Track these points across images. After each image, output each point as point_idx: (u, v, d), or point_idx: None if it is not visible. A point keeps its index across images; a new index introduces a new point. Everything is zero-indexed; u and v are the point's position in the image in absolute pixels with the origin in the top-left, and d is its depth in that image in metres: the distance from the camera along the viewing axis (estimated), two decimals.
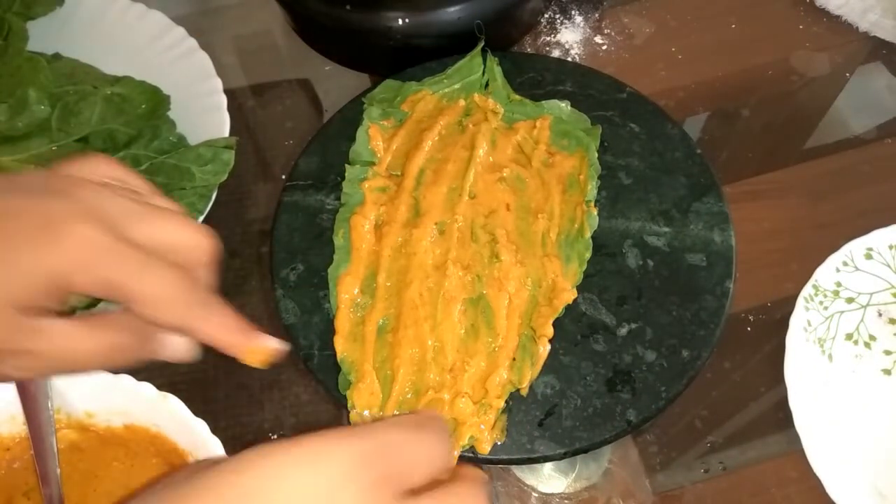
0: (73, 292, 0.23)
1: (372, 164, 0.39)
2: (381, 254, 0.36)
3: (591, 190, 0.37)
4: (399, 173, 0.38)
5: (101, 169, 0.26)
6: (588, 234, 0.36)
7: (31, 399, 0.31)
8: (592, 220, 0.37)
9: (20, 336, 0.23)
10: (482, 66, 0.41)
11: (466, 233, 0.36)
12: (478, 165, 0.37)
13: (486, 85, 0.41)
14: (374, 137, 0.39)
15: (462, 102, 0.40)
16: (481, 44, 0.41)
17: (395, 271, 0.35)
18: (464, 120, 0.39)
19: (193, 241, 0.25)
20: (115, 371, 0.31)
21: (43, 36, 0.43)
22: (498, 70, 0.41)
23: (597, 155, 0.38)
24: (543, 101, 0.40)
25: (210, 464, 0.20)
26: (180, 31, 0.45)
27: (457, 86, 0.41)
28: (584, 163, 0.38)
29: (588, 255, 0.36)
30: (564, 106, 0.40)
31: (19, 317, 0.23)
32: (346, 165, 0.38)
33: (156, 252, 0.24)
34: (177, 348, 0.27)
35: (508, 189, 0.37)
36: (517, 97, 0.40)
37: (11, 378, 0.25)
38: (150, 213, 0.24)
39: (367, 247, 0.36)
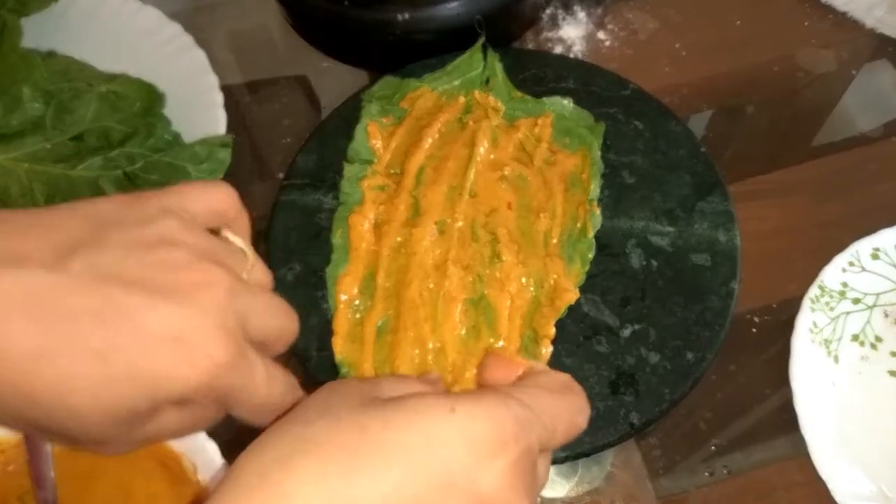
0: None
1: (371, 162, 0.38)
2: (380, 253, 0.35)
3: (594, 189, 0.37)
4: (398, 171, 0.38)
5: (210, 202, 0.24)
6: (591, 234, 0.36)
7: None
8: (595, 219, 0.36)
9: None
10: (482, 63, 0.40)
11: (467, 232, 0.35)
12: (478, 164, 0.37)
13: (487, 81, 0.40)
14: (374, 135, 0.39)
15: (462, 99, 0.39)
16: (481, 40, 0.41)
17: (395, 271, 0.35)
18: (464, 117, 0.39)
19: (290, 329, 0.25)
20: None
21: (37, 33, 0.43)
22: (499, 66, 0.40)
23: (599, 153, 0.38)
24: (545, 98, 0.39)
25: (367, 405, 0.20)
26: (176, 27, 0.44)
27: (456, 82, 0.40)
28: (587, 161, 0.38)
29: (591, 255, 0.36)
30: (567, 103, 0.39)
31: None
32: (345, 164, 0.38)
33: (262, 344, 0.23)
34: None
35: (510, 188, 0.37)
36: (518, 94, 0.40)
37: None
38: (261, 305, 0.23)
39: (366, 246, 0.36)
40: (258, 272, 0.25)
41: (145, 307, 0.20)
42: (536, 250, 0.35)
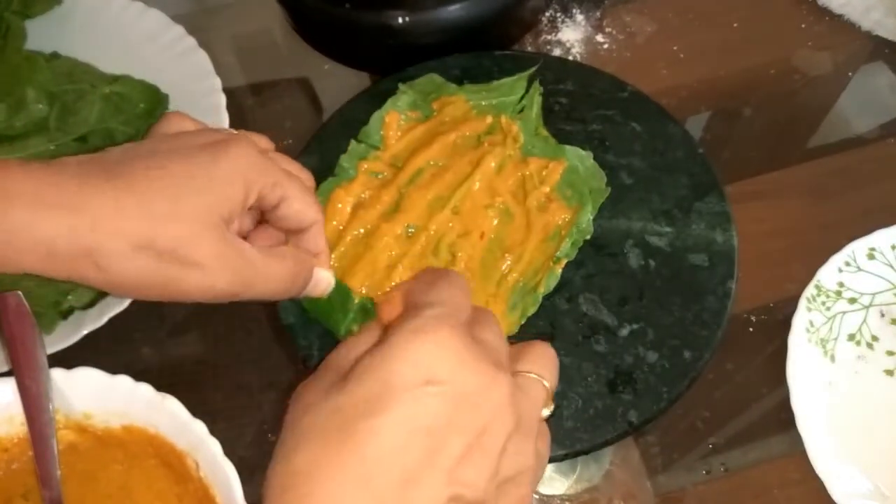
0: (252, 201, 0.29)
1: (377, 148, 0.38)
2: (343, 234, 0.35)
3: (565, 247, 0.36)
4: (400, 165, 0.38)
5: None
6: (541, 291, 0.35)
7: (33, 400, 0.31)
8: (553, 278, 0.35)
9: (235, 254, 0.28)
10: (523, 91, 0.40)
11: (431, 245, 0.35)
12: (474, 184, 0.36)
13: (521, 110, 0.40)
14: (390, 126, 0.39)
15: (489, 119, 0.39)
16: (532, 69, 0.40)
17: (349, 257, 0.35)
18: (483, 136, 0.38)
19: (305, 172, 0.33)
20: (117, 377, 0.32)
21: (41, 35, 0.43)
22: (538, 100, 0.40)
23: (590, 218, 0.36)
24: (568, 147, 0.38)
25: (331, 394, 0.23)
26: (179, 29, 0.45)
27: (493, 101, 0.40)
28: (573, 220, 0.36)
29: (533, 310, 0.35)
30: (586, 155, 0.38)
31: (230, 234, 0.28)
32: (352, 140, 0.38)
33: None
34: (320, 280, 0.33)
35: (492, 218, 0.36)
36: (544, 132, 0.39)
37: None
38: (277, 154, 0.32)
39: (336, 224, 0.36)
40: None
41: (192, 139, 0.29)
42: (487, 286, 0.35)
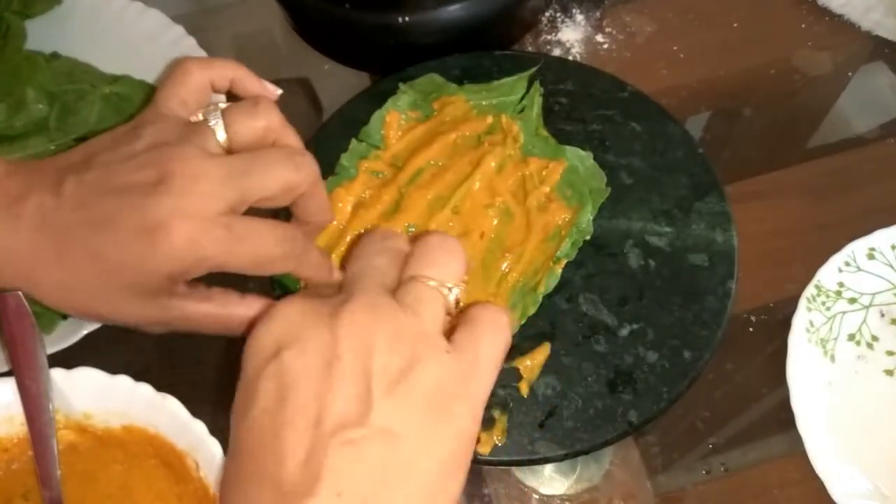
0: (205, 270, 0.27)
1: (377, 147, 0.38)
2: (343, 233, 0.35)
3: (565, 247, 0.36)
4: (400, 165, 0.38)
5: (220, 75, 0.30)
6: (542, 291, 0.35)
7: (33, 400, 0.31)
8: (553, 278, 0.35)
9: (168, 313, 0.28)
10: (524, 91, 0.40)
11: None
12: (475, 184, 0.36)
13: (522, 110, 0.40)
14: (390, 125, 0.39)
15: (489, 119, 0.39)
16: (533, 70, 0.41)
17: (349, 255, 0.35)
18: (483, 136, 0.38)
19: (292, 179, 0.28)
20: (114, 371, 0.32)
21: (41, 35, 0.43)
22: (538, 100, 0.40)
23: (590, 219, 0.37)
24: (568, 147, 0.38)
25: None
26: (179, 29, 0.45)
27: (493, 101, 0.40)
28: (573, 220, 0.37)
29: (533, 310, 0.35)
30: (586, 155, 0.38)
31: (165, 298, 0.28)
32: (353, 140, 0.38)
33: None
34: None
35: (492, 218, 0.36)
36: (544, 133, 0.39)
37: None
38: (258, 172, 0.27)
39: (336, 224, 0.36)
40: (246, 120, 0.28)
41: (128, 206, 0.26)
42: (487, 287, 0.35)
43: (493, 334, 0.24)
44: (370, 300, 0.23)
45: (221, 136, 0.28)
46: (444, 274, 0.24)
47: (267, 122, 0.29)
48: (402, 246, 0.26)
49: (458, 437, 0.22)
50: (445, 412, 0.21)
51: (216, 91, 0.31)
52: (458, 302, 0.25)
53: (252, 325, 0.25)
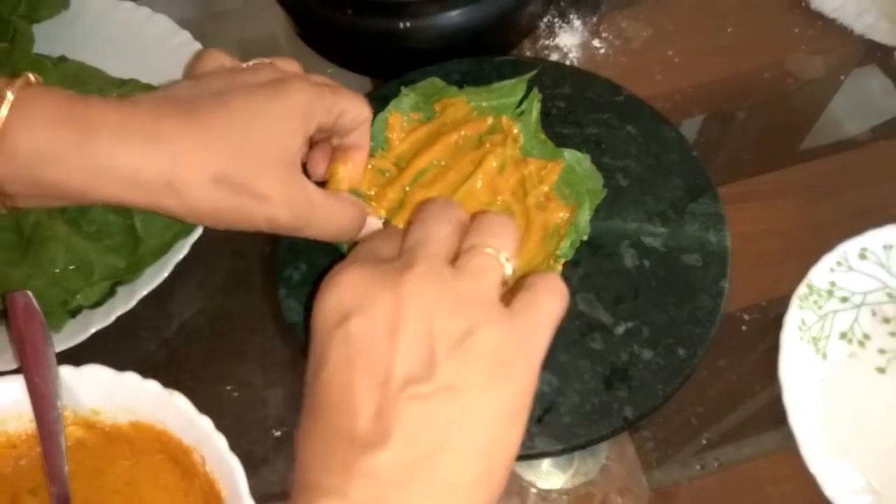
0: (313, 131, 0.31)
1: (381, 149, 0.39)
2: None
3: (563, 247, 0.36)
4: (404, 165, 0.38)
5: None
6: None
7: (41, 397, 0.32)
8: None
9: (300, 191, 0.30)
10: (523, 93, 0.41)
11: None
12: (476, 183, 0.37)
13: (521, 114, 0.40)
14: (393, 127, 0.39)
15: (490, 120, 0.39)
16: (533, 73, 0.41)
17: None
18: (484, 136, 0.39)
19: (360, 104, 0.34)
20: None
21: (49, 38, 0.44)
22: (536, 106, 0.40)
23: (588, 218, 0.37)
24: (566, 150, 0.39)
25: None
26: (185, 34, 0.45)
27: (493, 103, 0.40)
28: (571, 218, 0.37)
29: None
30: (584, 158, 0.39)
31: (297, 171, 0.30)
32: None
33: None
34: (371, 227, 0.34)
35: None
36: (542, 136, 0.40)
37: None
38: (340, 97, 0.33)
39: None
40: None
41: (254, 74, 0.31)
42: None
43: (550, 299, 0.25)
44: (432, 268, 0.24)
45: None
46: (503, 245, 0.26)
47: (299, 66, 0.35)
48: (462, 217, 0.27)
49: (517, 394, 0.23)
50: (505, 371, 0.23)
51: None
52: (514, 273, 0.26)
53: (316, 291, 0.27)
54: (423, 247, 0.25)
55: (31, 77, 0.28)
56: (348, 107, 0.33)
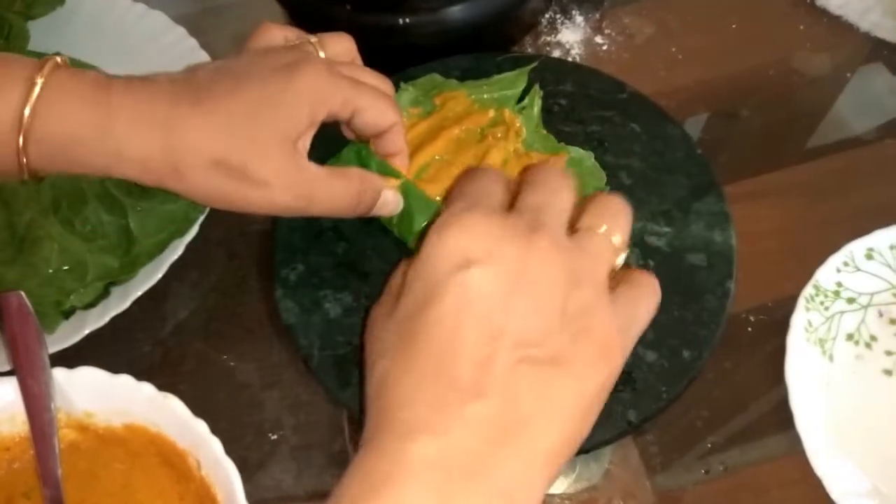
0: (321, 119, 0.31)
1: None
2: None
3: None
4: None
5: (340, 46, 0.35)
6: None
7: (35, 399, 0.31)
8: None
9: (298, 173, 0.30)
10: (524, 85, 0.40)
11: None
12: None
13: (522, 109, 0.40)
14: None
15: (492, 113, 0.39)
16: (533, 64, 0.41)
17: None
18: (486, 130, 0.39)
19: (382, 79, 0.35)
20: (112, 373, 0.31)
21: (44, 35, 0.44)
22: (537, 102, 0.40)
23: None
24: (569, 147, 0.38)
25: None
26: (181, 30, 0.45)
27: (495, 95, 0.40)
28: None
29: None
30: (587, 155, 0.38)
31: (296, 153, 0.30)
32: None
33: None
34: (388, 201, 0.34)
35: None
36: (543, 131, 0.39)
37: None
38: (352, 66, 0.35)
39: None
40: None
41: (266, 59, 0.32)
42: None
43: (648, 297, 0.26)
44: (559, 239, 0.24)
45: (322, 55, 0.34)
46: (620, 230, 0.26)
47: (351, 44, 0.36)
48: (575, 194, 0.27)
49: (608, 381, 0.24)
50: (607, 356, 0.23)
51: None
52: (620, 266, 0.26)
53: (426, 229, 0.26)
54: (546, 214, 0.25)
55: (59, 59, 0.30)
56: (367, 106, 0.32)
